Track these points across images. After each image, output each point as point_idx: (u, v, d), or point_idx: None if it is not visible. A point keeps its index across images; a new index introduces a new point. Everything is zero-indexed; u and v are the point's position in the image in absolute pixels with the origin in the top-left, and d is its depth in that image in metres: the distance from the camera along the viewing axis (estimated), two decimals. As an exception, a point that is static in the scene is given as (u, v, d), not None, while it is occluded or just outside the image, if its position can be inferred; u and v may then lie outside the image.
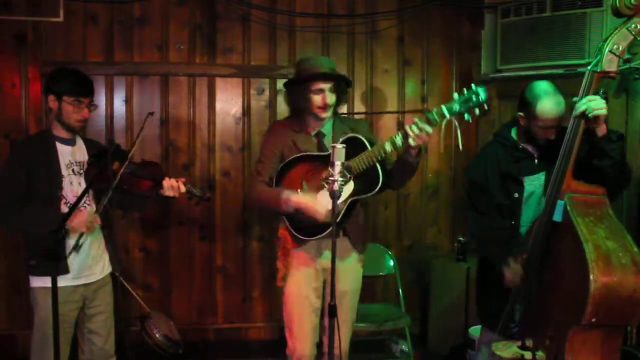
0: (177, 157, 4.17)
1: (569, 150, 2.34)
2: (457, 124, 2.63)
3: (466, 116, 2.58)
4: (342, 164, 2.23)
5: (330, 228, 2.44)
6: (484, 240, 2.84)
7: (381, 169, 2.75)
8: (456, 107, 2.58)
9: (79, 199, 2.55)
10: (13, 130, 3.94)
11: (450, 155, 4.43)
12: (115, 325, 2.99)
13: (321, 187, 2.77)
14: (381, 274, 4.09)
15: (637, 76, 3.44)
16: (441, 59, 4.41)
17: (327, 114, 2.87)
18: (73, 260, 2.73)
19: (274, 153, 2.93)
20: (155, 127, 4.10)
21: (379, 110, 4.34)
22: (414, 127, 2.60)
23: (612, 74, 2.28)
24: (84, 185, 2.78)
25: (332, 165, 2.22)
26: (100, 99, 3.99)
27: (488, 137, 3.08)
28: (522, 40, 3.86)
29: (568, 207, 2.29)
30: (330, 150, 2.25)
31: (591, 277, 2.09)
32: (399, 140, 2.66)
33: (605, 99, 2.33)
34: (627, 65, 3.34)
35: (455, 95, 2.58)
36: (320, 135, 2.94)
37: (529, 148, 2.76)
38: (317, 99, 2.83)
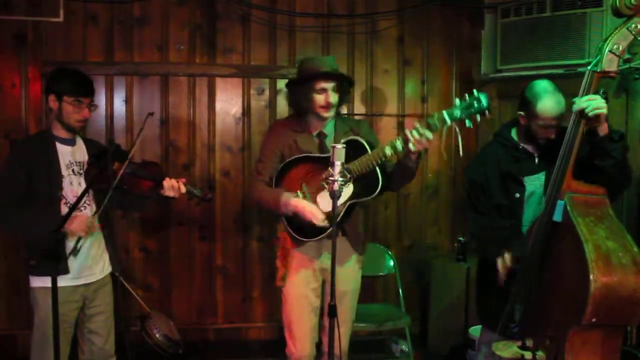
0: (177, 157, 4.17)
1: (569, 150, 2.34)
2: (458, 130, 2.62)
3: (467, 122, 2.58)
4: (342, 164, 2.24)
5: (330, 229, 2.44)
6: (484, 240, 2.84)
7: (381, 172, 2.75)
8: (457, 113, 2.57)
9: (79, 199, 2.55)
10: (13, 130, 3.94)
11: (450, 155, 4.42)
12: (115, 325, 2.99)
13: (321, 189, 2.77)
14: (381, 274, 4.09)
15: (637, 76, 3.45)
16: (441, 59, 4.41)
17: (330, 114, 2.87)
18: (73, 261, 2.73)
19: (275, 153, 2.93)
20: (155, 127, 4.10)
21: (379, 111, 4.34)
22: (415, 133, 2.60)
23: (612, 74, 2.28)
24: (84, 185, 2.78)
25: (332, 165, 2.22)
26: (100, 99, 3.99)
27: (488, 137, 3.07)
28: (522, 40, 3.86)
29: (568, 207, 2.29)
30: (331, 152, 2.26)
31: (591, 277, 2.09)
32: (399, 144, 2.66)
33: (605, 98, 2.33)
34: (627, 65, 3.34)
35: (457, 101, 2.58)
36: (322, 136, 2.94)
37: (529, 148, 2.76)
38: (320, 99, 2.83)
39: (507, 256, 2.60)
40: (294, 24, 4.21)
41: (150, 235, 4.18)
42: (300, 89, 2.87)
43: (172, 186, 2.79)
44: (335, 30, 4.26)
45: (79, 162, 2.84)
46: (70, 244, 2.62)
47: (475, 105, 2.54)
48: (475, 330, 3.71)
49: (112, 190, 2.57)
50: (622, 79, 3.47)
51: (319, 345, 3.09)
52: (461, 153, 2.67)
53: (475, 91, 2.57)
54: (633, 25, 2.23)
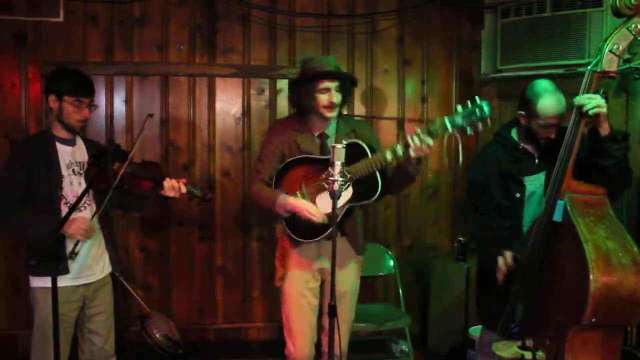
0: (177, 157, 4.17)
1: (569, 150, 2.34)
2: (459, 137, 2.62)
3: (468, 130, 2.58)
4: (342, 164, 2.23)
5: (329, 229, 2.44)
6: (484, 240, 2.84)
7: (380, 177, 2.75)
8: (459, 120, 2.56)
9: (79, 199, 2.55)
10: (13, 130, 3.94)
11: (450, 155, 4.42)
12: (115, 325, 2.99)
13: (320, 191, 2.76)
14: (381, 274, 4.09)
15: (637, 76, 3.45)
16: (441, 59, 4.41)
17: (333, 114, 2.86)
18: (73, 261, 2.73)
19: (275, 152, 2.92)
20: (155, 127, 4.10)
21: (379, 111, 4.33)
22: (416, 139, 2.60)
23: (612, 74, 2.28)
24: (84, 185, 2.78)
25: (332, 165, 2.22)
26: (100, 99, 3.98)
27: (488, 137, 3.07)
28: (522, 40, 3.86)
29: (568, 207, 2.28)
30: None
31: (591, 277, 2.09)
32: (399, 150, 2.66)
33: (605, 98, 2.33)
34: (627, 65, 3.34)
35: (459, 108, 2.57)
36: (324, 137, 2.93)
37: (529, 148, 2.76)
38: (323, 98, 2.82)
39: (508, 255, 2.60)
40: (294, 24, 4.21)
41: (150, 235, 4.18)
42: (303, 88, 2.86)
43: (172, 186, 2.79)
44: (335, 30, 4.25)
45: (79, 162, 2.84)
46: (70, 245, 2.62)
47: (478, 112, 2.54)
48: (475, 330, 3.71)
49: (112, 191, 2.58)
50: (622, 79, 3.47)
51: (318, 346, 3.08)
52: (460, 162, 2.66)
53: (477, 98, 2.56)
54: (633, 25, 2.23)
